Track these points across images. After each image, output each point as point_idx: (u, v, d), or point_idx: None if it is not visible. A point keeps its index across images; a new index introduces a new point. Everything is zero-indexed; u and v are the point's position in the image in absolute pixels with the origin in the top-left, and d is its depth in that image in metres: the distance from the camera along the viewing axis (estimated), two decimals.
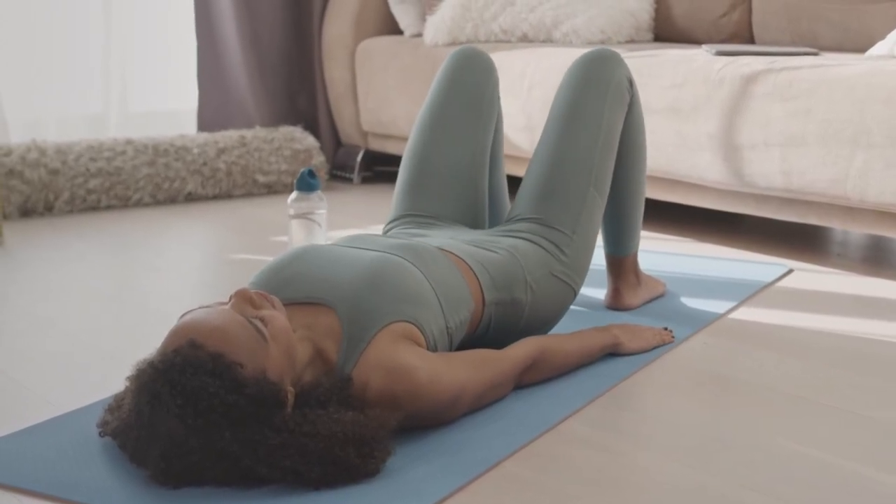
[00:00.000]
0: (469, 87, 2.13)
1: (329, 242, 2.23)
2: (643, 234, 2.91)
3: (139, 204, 3.49)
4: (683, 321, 2.18)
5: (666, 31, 3.62)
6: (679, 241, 2.98)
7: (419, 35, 3.77)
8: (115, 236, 3.05)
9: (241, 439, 1.37)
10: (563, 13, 3.46)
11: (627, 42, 3.47)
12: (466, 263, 1.82)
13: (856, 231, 2.83)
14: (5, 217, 3.22)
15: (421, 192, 2.07)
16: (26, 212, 3.30)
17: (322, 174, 3.78)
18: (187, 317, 1.47)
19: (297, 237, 2.58)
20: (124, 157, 3.44)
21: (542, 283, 1.90)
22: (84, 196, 3.37)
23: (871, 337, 2.12)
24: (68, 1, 3.65)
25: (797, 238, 3.04)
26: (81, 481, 1.44)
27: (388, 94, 3.70)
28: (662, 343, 2.03)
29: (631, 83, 2.11)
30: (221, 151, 3.61)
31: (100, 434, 1.55)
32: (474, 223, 2.09)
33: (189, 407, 1.36)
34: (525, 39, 3.52)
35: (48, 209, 3.33)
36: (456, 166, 2.08)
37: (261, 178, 3.68)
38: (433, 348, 1.64)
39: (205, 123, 3.88)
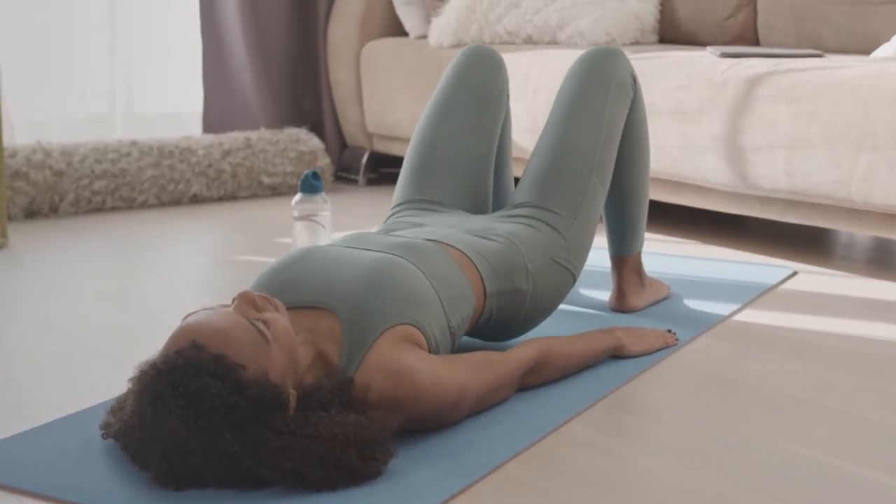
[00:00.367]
0: (478, 82, 2.14)
1: (330, 242, 2.23)
2: (647, 235, 2.90)
3: (144, 205, 3.49)
4: (687, 323, 2.17)
5: (671, 33, 3.61)
6: (683, 243, 2.98)
7: (424, 37, 3.77)
8: (119, 238, 3.05)
9: (242, 440, 1.37)
10: (568, 15, 3.46)
11: (632, 44, 3.47)
12: (467, 256, 1.82)
13: (861, 233, 2.83)
14: (10, 218, 3.22)
15: (426, 177, 2.08)
16: (31, 213, 3.30)
17: (327, 176, 3.78)
18: (190, 318, 1.47)
19: (300, 239, 2.59)
20: (129, 158, 3.44)
21: (542, 269, 1.90)
22: (89, 197, 3.38)
23: (876, 339, 2.11)
24: (73, 2, 3.66)
25: (802, 240, 3.04)
26: (83, 483, 1.44)
27: (393, 96, 3.70)
28: (666, 345, 2.02)
29: (634, 79, 2.12)
30: (226, 153, 3.61)
31: (102, 436, 1.55)
32: (477, 212, 2.10)
33: (191, 408, 1.36)
34: (530, 41, 3.52)
35: (53, 211, 3.34)
36: (462, 155, 2.09)
37: (266, 180, 3.68)
38: (435, 350, 1.64)
39: (210, 125, 3.88)
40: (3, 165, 2.98)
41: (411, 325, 1.59)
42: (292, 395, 1.46)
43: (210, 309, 1.49)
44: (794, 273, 2.62)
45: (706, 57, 2.87)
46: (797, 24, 3.29)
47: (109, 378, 1.87)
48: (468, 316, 1.76)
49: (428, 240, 1.83)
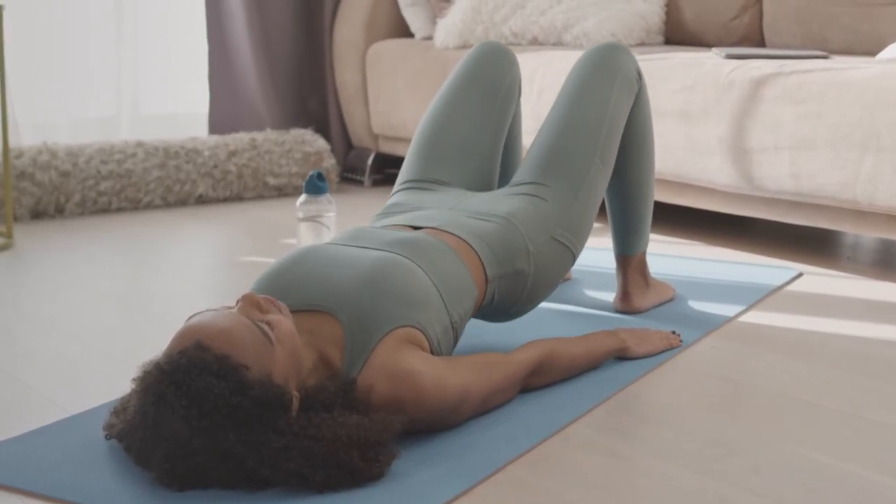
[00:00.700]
0: (488, 76, 2.16)
1: (329, 239, 2.23)
2: (652, 237, 2.90)
3: (150, 206, 3.49)
4: (692, 325, 2.17)
5: (676, 34, 3.61)
6: (688, 244, 2.97)
7: (430, 38, 3.78)
8: (125, 238, 3.06)
9: (245, 441, 1.37)
10: (574, 16, 3.46)
11: (638, 45, 3.47)
12: (467, 242, 1.82)
13: (866, 235, 2.82)
14: (16, 219, 3.23)
15: (431, 158, 2.09)
16: (37, 214, 3.31)
17: (332, 177, 3.78)
18: (194, 319, 1.47)
19: (305, 240, 2.59)
20: (135, 159, 3.45)
21: (542, 249, 1.90)
22: (95, 198, 3.38)
23: (882, 341, 2.11)
24: (80, 4, 3.66)
25: (807, 241, 3.03)
26: (86, 484, 1.45)
27: (398, 97, 3.70)
28: (670, 347, 2.02)
29: (639, 74, 2.14)
30: (232, 154, 3.62)
31: (105, 437, 1.55)
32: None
33: (194, 408, 1.36)
34: (535, 42, 3.52)
35: (59, 211, 3.34)
36: (469, 139, 2.10)
37: (271, 181, 3.68)
38: (437, 350, 1.64)
39: (215, 126, 3.89)
40: (9, 166, 2.99)
41: (413, 327, 1.59)
42: (295, 396, 1.46)
43: (214, 310, 1.49)
44: (800, 274, 2.61)
45: (711, 58, 2.87)
46: (803, 25, 3.29)
47: (114, 378, 1.87)
48: (470, 308, 1.77)
49: (427, 229, 1.83)
